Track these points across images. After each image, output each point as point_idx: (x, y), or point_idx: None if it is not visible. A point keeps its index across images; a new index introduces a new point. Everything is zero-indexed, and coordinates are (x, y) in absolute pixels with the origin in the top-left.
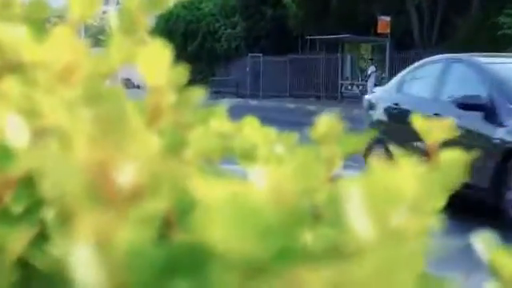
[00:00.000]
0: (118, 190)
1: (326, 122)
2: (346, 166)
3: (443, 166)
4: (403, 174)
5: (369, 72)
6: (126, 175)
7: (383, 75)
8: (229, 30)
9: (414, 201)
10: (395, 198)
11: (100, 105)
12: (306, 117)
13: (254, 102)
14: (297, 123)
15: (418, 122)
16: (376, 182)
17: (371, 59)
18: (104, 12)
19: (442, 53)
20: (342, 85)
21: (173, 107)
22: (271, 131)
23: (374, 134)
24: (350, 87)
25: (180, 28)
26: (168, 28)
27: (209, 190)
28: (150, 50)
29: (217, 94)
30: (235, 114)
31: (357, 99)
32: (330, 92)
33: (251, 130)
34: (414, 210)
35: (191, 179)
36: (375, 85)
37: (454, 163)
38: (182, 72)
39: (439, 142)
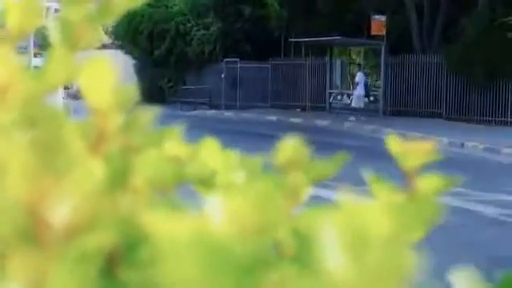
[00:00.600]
0: (55, 225)
1: (290, 146)
2: (323, 185)
3: (421, 195)
4: (374, 207)
5: (356, 79)
6: (65, 209)
7: (378, 82)
8: (201, 32)
9: (387, 236)
10: (365, 234)
11: (37, 129)
12: (289, 130)
13: (229, 114)
14: (278, 138)
15: (392, 145)
16: (345, 216)
17: (359, 64)
18: (56, 10)
19: (446, 57)
20: (330, 94)
21: (120, 130)
22: (233, 155)
23: (346, 157)
24: (339, 97)
25: (145, 29)
26: (131, 29)
27: (162, 224)
28: (93, 66)
29: (188, 104)
30: (207, 127)
31: (348, 111)
32: (318, 102)
33: (210, 153)
34: (387, 246)
35: (140, 211)
36: (366, 95)
37: (434, 191)
38: (132, 90)
39: (418, 167)
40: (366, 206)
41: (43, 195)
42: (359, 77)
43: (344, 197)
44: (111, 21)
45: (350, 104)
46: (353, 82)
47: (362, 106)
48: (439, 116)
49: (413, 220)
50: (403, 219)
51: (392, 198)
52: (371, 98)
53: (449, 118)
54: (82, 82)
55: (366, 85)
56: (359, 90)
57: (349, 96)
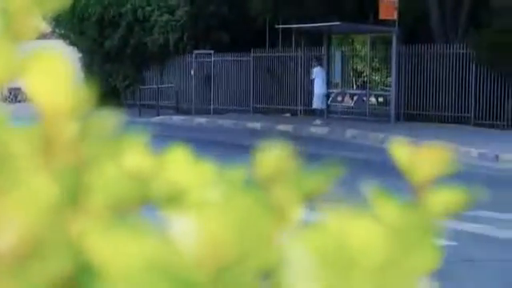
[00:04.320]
0: None
1: (275, 156)
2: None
3: (430, 213)
4: (367, 227)
5: (312, 76)
6: (9, 233)
7: (388, 79)
8: (165, 17)
9: (381, 262)
10: (352, 260)
11: None
12: (276, 140)
13: (201, 120)
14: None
15: (398, 153)
16: (330, 238)
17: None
18: None
19: (475, 47)
20: (328, 95)
21: (74, 139)
22: (208, 167)
23: (340, 169)
24: (339, 98)
25: (93, 14)
26: (76, 14)
27: (115, 251)
28: (42, 63)
29: (149, 108)
30: (174, 137)
31: (351, 115)
32: (312, 105)
33: (180, 166)
34: (382, 273)
35: (95, 236)
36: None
37: (446, 208)
38: (88, 92)
39: (430, 179)
40: (357, 226)
41: None
42: (316, 72)
43: (332, 216)
44: (56, 8)
45: (352, 107)
46: (358, 79)
47: (323, 107)
48: (466, 121)
49: (417, 242)
50: (405, 241)
51: (395, 216)
52: (380, 100)
53: (479, 124)
54: (30, 81)
55: (322, 81)
56: (318, 88)
57: (352, 97)
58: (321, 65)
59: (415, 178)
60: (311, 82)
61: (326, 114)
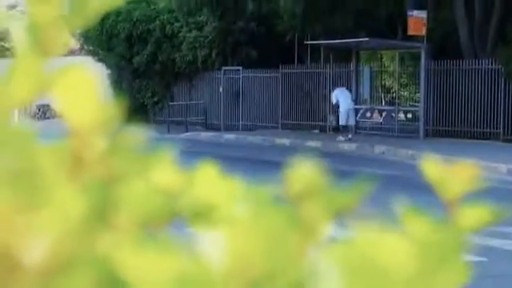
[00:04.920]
0: (28, 268)
1: (305, 173)
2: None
3: (460, 229)
4: (396, 243)
5: (333, 99)
6: (39, 249)
7: (417, 95)
8: (193, 33)
9: (410, 278)
10: (381, 275)
11: (3, 156)
12: (305, 157)
13: (229, 137)
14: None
15: (429, 169)
16: (359, 254)
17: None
18: (13, 7)
19: (504, 62)
20: (357, 111)
21: (103, 156)
22: (237, 184)
23: (370, 186)
24: (368, 114)
25: (122, 31)
26: (105, 31)
27: (144, 267)
28: (70, 80)
29: (177, 124)
30: (202, 153)
31: (379, 131)
32: (339, 121)
33: (208, 183)
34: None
35: (123, 252)
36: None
37: (476, 224)
38: (117, 108)
39: (460, 195)
40: (386, 242)
41: (14, 234)
42: (337, 95)
43: (362, 232)
44: (85, 24)
45: (381, 123)
46: (387, 95)
47: (349, 123)
48: (496, 137)
49: (446, 258)
50: (434, 257)
51: (425, 232)
52: (408, 116)
53: (508, 140)
54: (59, 97)
55: (348, 104)
56: (344, 105)
57: (381, 113)
58: (339, 86)
59: (445, 194)
60: (336, 105)
61: (355, 129)
